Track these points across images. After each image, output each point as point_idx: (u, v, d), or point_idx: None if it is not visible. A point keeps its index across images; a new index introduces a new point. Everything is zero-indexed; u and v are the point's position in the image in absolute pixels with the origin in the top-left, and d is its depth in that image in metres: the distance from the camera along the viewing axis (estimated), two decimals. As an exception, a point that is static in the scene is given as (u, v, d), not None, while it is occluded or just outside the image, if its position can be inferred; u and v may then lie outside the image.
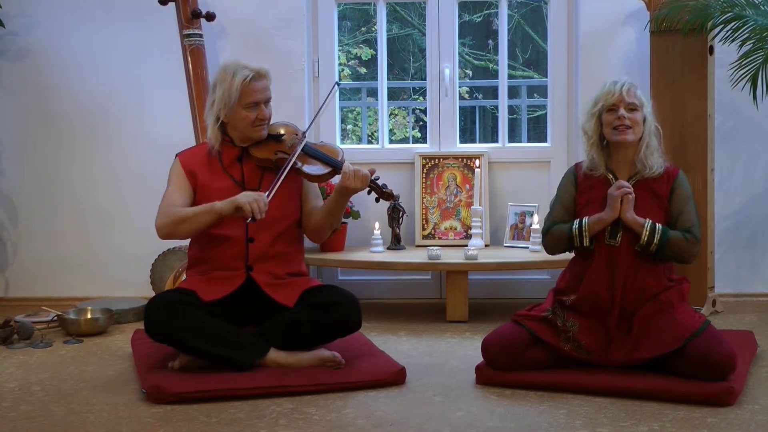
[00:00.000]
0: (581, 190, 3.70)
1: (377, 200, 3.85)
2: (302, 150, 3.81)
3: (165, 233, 3.71)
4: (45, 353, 4.21)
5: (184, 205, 3.75)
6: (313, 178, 3.84)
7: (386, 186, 3.82)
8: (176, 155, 3.90)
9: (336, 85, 4.02)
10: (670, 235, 3.54)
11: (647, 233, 3.52)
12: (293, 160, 3.74)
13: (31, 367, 3.96)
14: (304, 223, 3.91)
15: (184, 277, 4.18)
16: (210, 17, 5.13)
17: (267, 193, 3.63)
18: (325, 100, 3.93)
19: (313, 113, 5.45)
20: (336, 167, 3.78)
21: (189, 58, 5.03)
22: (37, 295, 5.45)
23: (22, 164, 5.49)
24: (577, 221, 3.64)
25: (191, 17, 5.04)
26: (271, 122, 3.89)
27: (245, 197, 3.56)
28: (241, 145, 3.85)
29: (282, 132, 3.91)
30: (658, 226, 3.54)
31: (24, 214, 5.52)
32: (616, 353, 3.52)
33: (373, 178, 3.75)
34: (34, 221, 5.51)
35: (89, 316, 4.67)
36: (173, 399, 3.36)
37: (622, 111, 3.57)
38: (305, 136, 3.88)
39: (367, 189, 3.78)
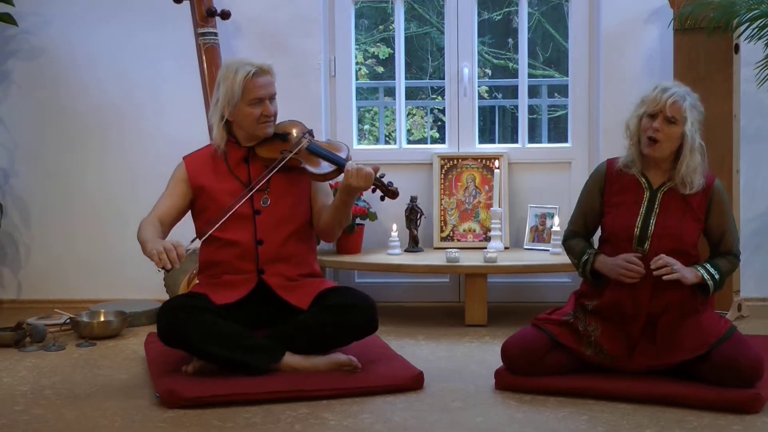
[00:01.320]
0: (612, 192, 3.65)
1: (382, 198, 3.79)
2: (306, 148, 3.80)
3: None
4: (57, 356, 4.22)
5: (169, 213, 3.79)
6: (317, 177, 3.82)
7: (392, 184, 3.77)
8: (183, 158, 3.91)
9: (309, 133, 3.90)
10: (724, 272, 3.52)
11: (712, 286, 3.49)
12: (288, 158, 3.73)
13: (43, 370, 3.97)
14: (314, 223, 3.90)
15: (197, 280, 4.18)
16: (225, 15, 5.13)
17: (192, 239, 3.63)
18: (278, 164, 3.83)
19: (330, 113, 5.45)
20: (340, 165, 3.75)
21: (203, 57, 5.03)
22: (49, 298, 5.47)
23: (35, 164, 5.51)
24: (586, 255, 3.62)
25: (206, 16, 5.04)
26: (278, 121, 3.89)
27: (157, 245, 3.47)
28: (246, 145, 3.84)
29: (289, 131, 3.90)
30: (713, 271, 3.49)
31: (37, 214, 5.53)
32: (640, 359, 3.49)
33: (378, 175, 3.72)
34: (47, 222, 5.53)
35: (102, 318, 4.68)
36: (187, 403, 3.36)
37: (657, 123, 3.51)
38: (311, 135, 3.87)
39: (372, 187, 3.75)
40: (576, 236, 3.74)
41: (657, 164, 3.59)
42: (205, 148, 3.98)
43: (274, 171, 3.73)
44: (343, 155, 3.81)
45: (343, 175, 3.71)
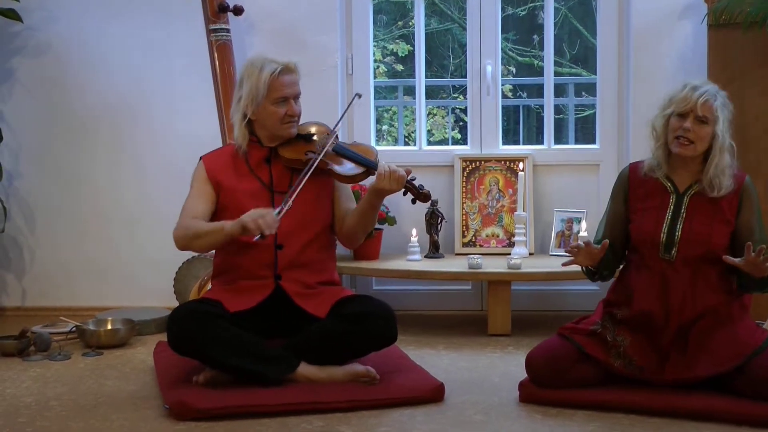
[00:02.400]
0: (637, 197, 3.64)
1: (413, 201, 3.83)
2: (333, 149, 3.81)
3: (181, 246, 3.77)
4: (63, 366, 4.24)
5: (205, 213, 3.78)
6: (344, 178, 3.83)
7: (423, 187, 3.80)
8: (200, 158, 3.92)
9: (357, 96, 3.99)
10: None
11: None
12: (319, 158, 3.74)
13: (48, 380, 3.99)
14: (336, 228, 3.91)
15: (209, 286, 4.19)
16: (238, 11, 5.14)
17: (279, 208, 3.61)
18: (345, 110, 3.91)
19: (347, 113, 5.45)
20: (370, 167, 3.78)
21: (215, 55, 5.05)
22: (55, 305, 5.49)
23: (41, 166, 5.54)
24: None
25: (218, 11, 5.06)
26: (301, 121, 3.90)
27: (250, 215, 3.53)
28: (269, 145, 3.85)
29: (313, 131, 3.91)
30: None
31: (42, 218, 5.56)
32: (671, 370, 3.47)
33: (409, 178, 3.74)
34: (53, 226, 5.55)
35: (109, 327, 4.70)
36: (198, 415, 3.36)
37: (688, 123, 3.49)
38: (336, 135, 3.88)
39: (403, 190, 3.76)
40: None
41: (685, 165, 3.57)
42: (226, 147, 4.01)
43: (310, 171, 3.72)
44: (372, 157, 3.83)
45: (371, 178, 3.73)
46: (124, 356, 4.42)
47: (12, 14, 5.27)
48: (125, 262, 5.48)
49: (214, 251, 3.91)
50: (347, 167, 3.81)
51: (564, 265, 3.68)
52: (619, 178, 3.74)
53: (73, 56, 5.48)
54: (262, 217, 3.51)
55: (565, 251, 3.67)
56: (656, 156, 3.61)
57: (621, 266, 3.75)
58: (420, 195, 3.79)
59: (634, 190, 3.66)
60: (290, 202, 3.64)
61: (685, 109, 3.49)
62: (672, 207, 3.56)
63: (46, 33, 5.48)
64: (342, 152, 3.83)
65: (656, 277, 3.53)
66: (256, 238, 3.54)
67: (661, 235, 3.53)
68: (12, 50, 5.50)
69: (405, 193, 3.80)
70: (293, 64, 3.83)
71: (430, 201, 3.88)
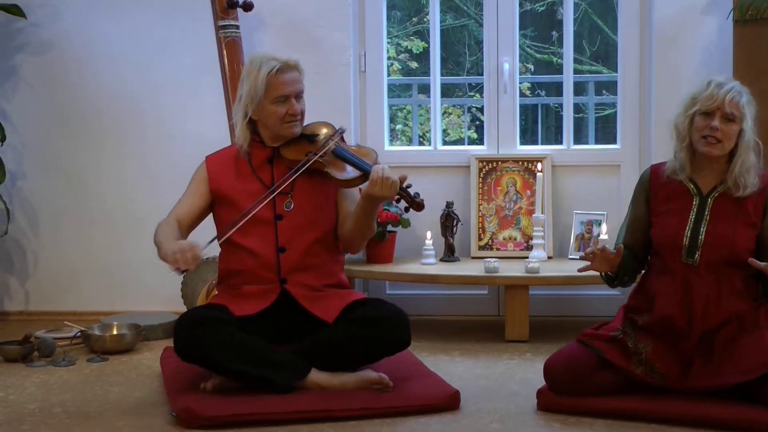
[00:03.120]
0: (658, 200, 3.63)
1: (407, 210, 3.84)
2: (333, 152, 3.81)
3: None
4: (67, 372, 4.25)
5: (189, 215, 3.85)
6: (340, 182, 3.82)
7: (418, 195, 3.77)
8: (205, 158, 3.95)
9: (339, 132, 3.94)
10: None
11: None
12: (313, 160, 3.75)
13: (52, 387, 4.00)
14: (338, 231, 3.91)
15: (216, 291, 4.19)
16: (248, 7, 5.15)
17: (210, 239, 3.66)
18: (325, 145, 3.89)
19: (360, 112, 5.46)
20: (365, 171, 3.74)
21: (224, 52, 5.05)
22: (59, 309, 5.50)
23: (45, 166, 5.56)
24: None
25: (227, 7, 5.06)
26: (306, 121, 3.91)
27: (173, 246, 3.54)
28: (272, 145, 3.87)
29: (318, 132, 3.91)
30: None
31: (46, 220, 5.58)
32: (695, 378, 3.46)
33: (404, 185, 3.72)
34: (57, 228, 5.56)
35: (115, 332, 4.71)
36: (205, 423, 3.37)
37: (716, 122, 3.47)
38: (341, 138, 3.88)
39: (396, 197, 3.75)
40: (626, 248, 3.70)
41: (709, 165, 3.56)
42: (229, 147, 4.02)
43: (298, 173, 3.74)
44: (370, 161, 3.81)
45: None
46: (130, 362, 4.43)
47: (15, 10, 5.29)
48: (131, 265, 5.49)
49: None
50: (345, 171, 3.80)
51: (580, 271, 3.68)
52: (640, 180, 3.74)
53: (79, 54, 5.49)
54: (182, 252, 3.50)
55: (581, 258, 3.66)
56: (679, 158, 3.59)
57: (642, 271, 3.74)
58: (413, 203, 3.76)
59: (655, 192, 3.65)
60: (237, 227, 3.69)
61: (711, 107, 3.48)
62: (695, 210, 3.55)
63: (51, 30, 5.49)
64: (340, 155, 3.83)
65: (678, 282, 3.52)
66: (171, 272, 3.55)
67: (684, 238, 3.52)
68: (15, 47, 5.52)
69: (398, 201, 3.78)
70: (294, 62, 3.83)
71: (423, 210, 3.80)
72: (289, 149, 3.85)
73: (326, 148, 3.80)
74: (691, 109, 3.54)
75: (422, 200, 3.77)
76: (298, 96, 3.83)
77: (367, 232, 3.83)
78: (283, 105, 3.78)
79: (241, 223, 3.70)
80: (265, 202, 3.75)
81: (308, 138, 3.87)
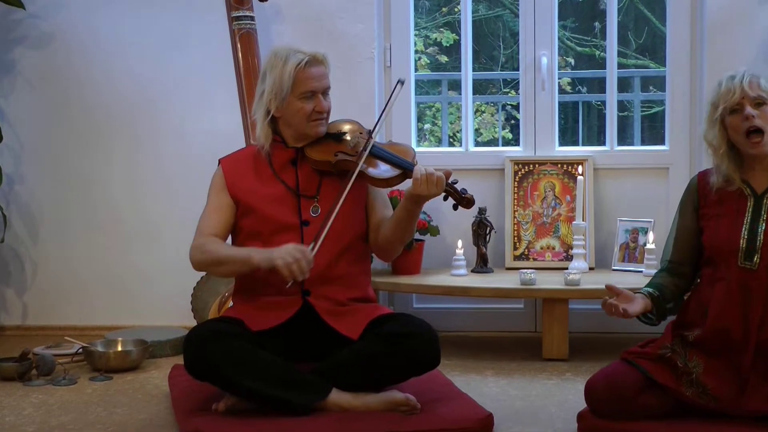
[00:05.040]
0: (708, 203, 3.62)
1: (455, 207, 3.79)
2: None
3: (199, 269, 3.86)
4: (68, 391, 4.28)
5: (224, 228, 3.83)
6: (378, 182, 3.82)
7: (466, 191, 3.77)
8: (219, 161, 3.95)
9: (399, 84, 3.93)
10: None
11: None
12: (359, 168, 3.73)
13: (51, 407, 4.02)
14: (371, 238, 3.91)
15: (230, 303, 4.21)
16: (263, -4, 5.18)
17: (312, 243, 3.63)
18: (388, 100, 3.89)
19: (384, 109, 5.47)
20: (406, 169, 3.75)
21: (238, 45, 5.07)
22: (59, 323, 5.54)
23: (44, 169, 5.59)
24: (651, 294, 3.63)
25: (241, -3, 5.09)
26: (332, 119, 3.91)
27: (284, 254, 3.55)
28: (295, 146, 3.87)
29: (344, 130, 3.91)
30: None
31: (46, 227, 5.61)
32: (751, 401, 3.45)
33: (450, 181, 3.73)
34: (58, 236, 5.60)
35: (120, 348, 4.73)
36: (217, 447, 3.38)
37: (749, 109, 3.48)
38: (372, 136, 3.87)
39: (443, 194, 3.75)
40: (668, 270, 3.70)
41: (759, 164, 3.56)
42: (246, 149, 4.03)
43: (353, 179, 3.72)
44: (409, 159, 3.82)
45: (408, 181, 3.72)
46: (136, 381, 4.45)
47: (13, 0, 5.32)
48: (138, 276, 5.52)
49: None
50: (382, 169, 3.81)
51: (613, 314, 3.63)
52: (687, 189, 3.73)
53: (81, 47, 5.53)
54: (297, 261, 3.52)
55: (602, 307, 3.62)
56: (722, 170, 3.58)
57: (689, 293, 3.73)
58: (462, 200, 3.76)
59: (704, 197, 3.64)
60: (326, 230, 3.66)
61: (734, 100, 3.50)
62: (750, 211, 3.55)
63: (52, 21, 5.53)
64: (376, 153, 3.83)
65: (735, 288, 3.50)
66: (289, 284, 3.57)
67: (741, 241, 3.52)
68: (13, 40, 5.56)
69: (446, 198, 3.77)
70: (321, 55, 3.84)
71: (473, 207, 3.83)
72: (316, 149, 3.84)
73: (368, 149, 3.79)
74: (715, 114, 3.55)
75: (471, 196, 3.77)
76: (325, 92, 3.84)
77: (407, 236, 3.85)
78: (309, 101, 3.78)
79: (325, 231, 3.67)
80: (339, 204, 3.70)
81: (334, 137, 3.87)
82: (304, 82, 3.77)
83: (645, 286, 3.66)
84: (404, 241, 3.87)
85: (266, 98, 3.80)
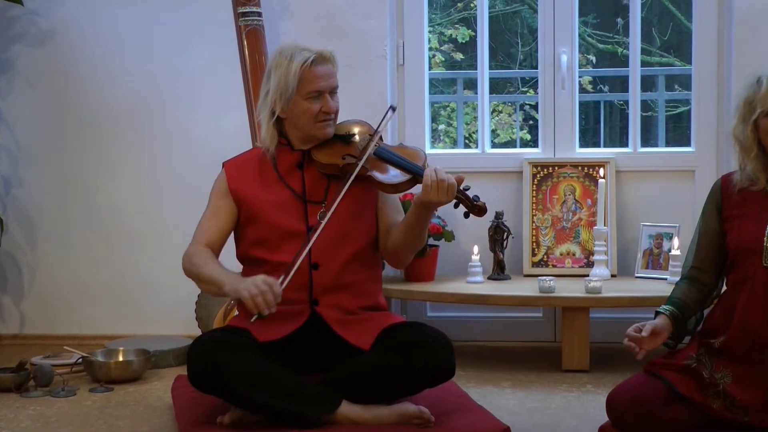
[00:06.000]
0: (731, 204, 3.62)
1: (466, 215, 3.75)
2: (375, 153, 3.79)
3: (188, 277, 3.81)
4: (67, 403, 4.29)
5: (218, 236, 3.82)
6: (386, 187, 3.80)
7: (478, 198, 3.73)
8: (222, 165, 3.95)
9: (391, 110, 3.90)
10: None
11: None
12: (360, 165, 3.72)
13: (50, 420, 4.03)
14: (380, 244, 3.90)
15: (236, 312, 4.22)
16: (271, -8, 5.19)
17: (282, 276, 3.59)
18: (379, 124, 3.87)
19: (397, 109, 5.46)
20: (416, 174, 3.72)
21: (245, 42, 5.08)
22: (58, 332, 5.55)
23: (43, 172, 5.61)
24: (660, 310, 3.62)
25: (248, -8, 5.11)
26: (343, 119, 3.90)
27: (250, 286, 3.49)
28: (301, 148, 3.86)
29: (354, 132, 3.90)
30: None
31: (44, 232, 5.63)
32: (781, 413, 3.45)
33: (461, 187, 3.71)
34: (57, 241, 5.61)
35: (121, 358, 4.74)
36: (222, 462, 3.39)
37: None
38: (380, 136, 3.86)
39: (454, 201, 3.73)
40: (690, 278, 3.70)
41: None
42: (250, 151, 4.02)
43: (350, 182, 3.71)
44: (419, 163, 3.79)
45: (418, 186, 3.71)
46: (138, 392, 4.46)
47: (11, -4, 5.35)
48: (140, 283, 5.53)
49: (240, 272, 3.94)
50: (390, 174, 3.77)
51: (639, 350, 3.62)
52: (710, 193, 3.72)
53: (81, 45, 5.54)
54: (263, 294, 3.47)
55: (626, 347, 3.59)
56: (748, 171, 3.58)
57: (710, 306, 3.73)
58: (474, 208, 3.72)
59: (728, 199, 3.63)
60: (302, 256, 3.64)
61: None
62: None
63: (50, 18, 5.55)
64: (385, 156, 3.80)
65: (760, 289, 3.49)
66: (253, 319, 3.53)
67: (765, 240, 3.51)
68: (11, 38, 5.57)
69: (456, 205, 3.74)
70: (329, 53, 3.82)
71: (485, 215, 3.79)
72: (323, 152, 3.82)
73: (369, 151, 3.77)
74: (751, 115, 3.54)
75: (484, 204, 3.73)
76: (333, 92, 3.82)
77: (417, 243, 3.83)
78: (316, 101, 3.77)
79: (298, 263, 3.63)
80: (317, 234, 3.68)
81: (343, 139, 3.85)
82: (311, 81, 3.75)
83: (665, 304, 3.65)
84: (414, 248, 3.85)
85: (271, 98, 3.79)
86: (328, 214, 3.66)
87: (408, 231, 3.78)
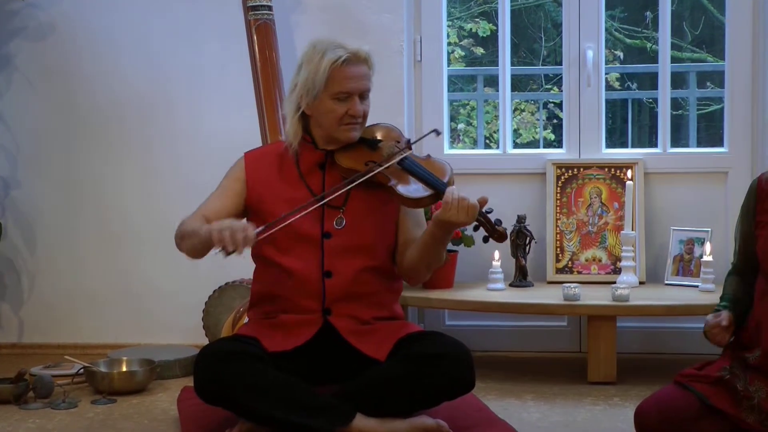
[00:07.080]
0: (764, 209, 3.61)
1: (485, 240, 3.75)
2: (399, 163, 3.78)
3: (178, 247, 3.82)
4: (68, 415, 4.30)
5: (219, 212, 3.80)
6: (407, 201, 3.76)
7: (500, 222, 3.74)
8: (244, 154, 3.95)
9: (435, 133, 3.95)
10: None
11: None
12: (376, 171, 3.71)
13: (50, 432, 4.05)
14: (397, 259, 3.89)
15: (245, 319, 4.22)
16: (282, -16, 5.19)
17: (263, 227, 3.59)
18: (418, 140, 3.88)
19: (414, 108, 5.48)
20: (438, 190, 3.70)
21: (255, 37, 5.08)
22: (58, 341, 5.56)
23: (43, 173, 5.62)
24: (718, 308, 3.63)
25: (258, -16, 5.11)
26: (367, 123, 3.88)
27: (222, 223, 3.50)
28: (325, 148, 3.87)
29: (380, 137, 3.89)
30: None
31: (44, 236, 5.64)
32: (819, 428, 3.44)
33: (483, 210, 3.69)
34: (58, 246, 5.62)
35: (124, 368, 4.75)
36: (230, 477, 3.39)
37: None
38: (408, 146, 3.85)
39: (474, 224, 3.71)
40: (738, 273, 3.69)
41: None
42: (272, 145, 4.03)
43: (354, 185, 3.72)
44: (444, 178, 3.77)
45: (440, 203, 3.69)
46: (142, 404, 4.47)
47: (10, -11, 5.37)
48: (145, 290, 5.54)
49: (251, 278, 3.94)
50: (412, 188, 3.74)
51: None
52: (747, 193, 3.71)
53: (83, 40, 5.56)
54: (233, 232, 3.46)
55: (712, 335, 3.61)
56: None
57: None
58: (495, 232, 3.72)
59: (762, 201, 3.62)
60: (297, 217, 3.64)
61: None
62: None
63: (51, 12, 5.56)
64: (409, 168, 3.78)
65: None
66: (216, 251, 3.52)
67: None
68: (10, 32, 5.59)
69: (476, 228, 3.74)
70: (365, 53, 3.80)
71: (505, 241, 3.77)
72: (346, 156, 3.81)
73: (393, 160, 3.76)
74: None
75: (504, 229, 3.73)
76: (363, 95, 3.81)
77: (434, 263, 3.81)
78: (343, 103, 3.76)
79: (284, 224, 3.64)
80: (308, 210, 3.71)
81: (369, 144, 3.84)
82: (340, 81, 3.74)
83: (721, 300, 3.64)
84: (430, 267, 3.82)
85: (298, 92, 3.78)
86: (334, 196, 3.69)
87: (424, 249, 3.77)
